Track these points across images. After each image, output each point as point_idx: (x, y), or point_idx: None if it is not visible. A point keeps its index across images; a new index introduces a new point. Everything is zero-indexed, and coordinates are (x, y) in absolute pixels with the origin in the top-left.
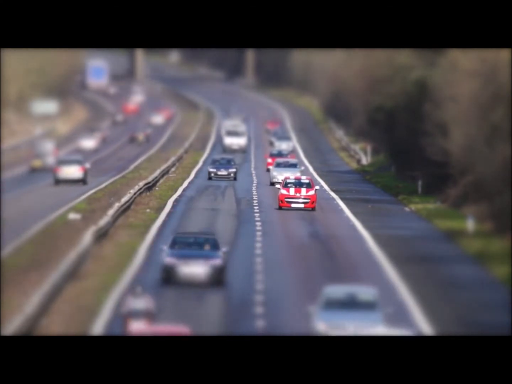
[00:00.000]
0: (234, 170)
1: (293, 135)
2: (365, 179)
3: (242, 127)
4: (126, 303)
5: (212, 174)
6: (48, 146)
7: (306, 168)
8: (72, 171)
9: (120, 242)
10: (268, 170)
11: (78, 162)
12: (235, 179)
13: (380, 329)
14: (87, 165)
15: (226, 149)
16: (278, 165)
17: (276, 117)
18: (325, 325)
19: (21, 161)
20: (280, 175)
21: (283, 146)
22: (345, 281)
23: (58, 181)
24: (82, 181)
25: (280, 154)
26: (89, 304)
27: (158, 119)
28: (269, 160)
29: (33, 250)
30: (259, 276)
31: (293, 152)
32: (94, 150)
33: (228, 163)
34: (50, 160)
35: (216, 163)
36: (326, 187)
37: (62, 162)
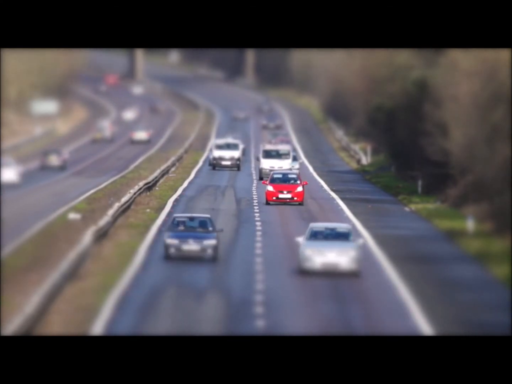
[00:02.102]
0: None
1: (300, 153)
2: (365, 179)
3: (236, 141)
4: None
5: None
6: (106, 123)
7: (306, 168)
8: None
9: (120, 242)
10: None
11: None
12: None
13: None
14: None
15: (215, 165)
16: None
17: (285, 136)
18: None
19: (21, 161)
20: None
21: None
22: (344, 280)
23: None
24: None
25: (285, 178)
26: (89, 304)
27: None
28: (270, 188)
29: (33, 250)
30: (259, 276)
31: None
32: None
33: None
34: (107, 133)
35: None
36: (326, 187)
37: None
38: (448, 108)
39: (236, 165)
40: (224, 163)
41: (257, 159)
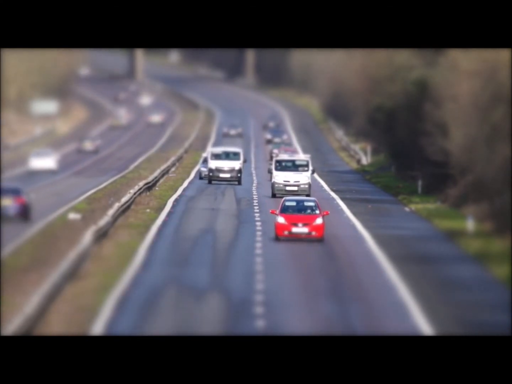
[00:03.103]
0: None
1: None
2: (365, 179)
3: (237, 149)
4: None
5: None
6: (122, 111)
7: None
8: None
9: (120, 242)
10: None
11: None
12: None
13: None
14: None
15: (211, 178)
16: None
17: (290, 146)
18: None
19: (21, 161)
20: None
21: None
22: (344, 280)
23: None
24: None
25: (300, 207)
26: (89, 304)
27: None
28: (281, 220)
29: (33, 250)
30: (259, 276)
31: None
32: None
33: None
34: (124, 120)
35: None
36: (326, 187)
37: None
38: (448, 108)
39: (237, 178)
40: (222, 175)
41: (269, 172)
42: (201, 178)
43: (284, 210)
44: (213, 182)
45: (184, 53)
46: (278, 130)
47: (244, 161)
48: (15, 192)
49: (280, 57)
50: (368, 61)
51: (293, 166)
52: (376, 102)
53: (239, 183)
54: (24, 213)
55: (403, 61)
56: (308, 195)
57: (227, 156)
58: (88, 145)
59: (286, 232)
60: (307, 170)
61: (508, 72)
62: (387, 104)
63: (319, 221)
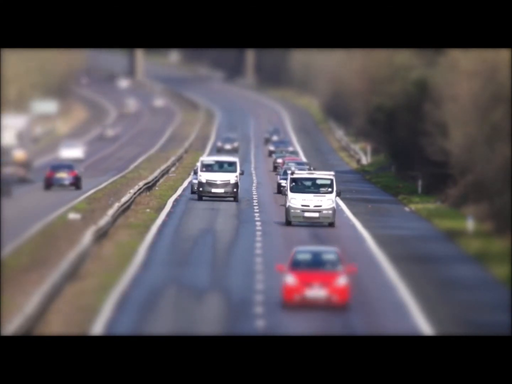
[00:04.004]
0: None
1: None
2: (365, 179)
3: (232, 158)
4: None
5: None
6: (132, 101)
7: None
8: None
9: (120, 242)
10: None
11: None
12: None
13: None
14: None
15: (201, 194)
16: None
17: (296, 155)
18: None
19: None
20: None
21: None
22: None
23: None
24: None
25: (317, 261)
26: (89, 304)
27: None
28: (291, 280)
29: (33, 250)
30: (259, 276)
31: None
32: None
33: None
34: (132, 108)
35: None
36: None
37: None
38: (448, 108)
39: (232, 194)
40: (215, 190)
41: (284, 193)
42: (193, 192)
43: (295, 265)
44: (204, 198)
45: (184, 53)
46: (283, 142)
47: (241, 173)
48: (69, 167)
49: (280, 57)
50: (368, 61)
51: (314, 186)
52: (376, 102)
53: (235, 200)
54: (76, 183)
55: (403, 61)
56: (331, 224)
57: (220, 167)
58: (110, 132)
59: (297, 297)
60: (331, 192)
61: (508, 72)
62: (387, 104)
63: (342, 281)
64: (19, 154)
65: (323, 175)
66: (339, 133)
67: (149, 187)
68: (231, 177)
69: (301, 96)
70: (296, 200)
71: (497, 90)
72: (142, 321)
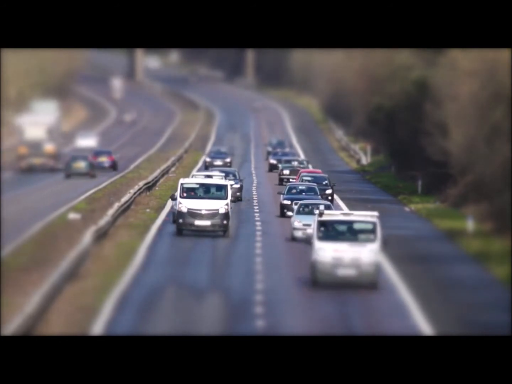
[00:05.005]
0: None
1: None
2: (365, 179)
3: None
4: None
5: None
6: (117, 82)
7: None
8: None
9: (120, 242)
10: None
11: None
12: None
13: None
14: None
15: (181, 227)
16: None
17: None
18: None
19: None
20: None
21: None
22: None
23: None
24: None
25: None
26: (89, 304)
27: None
28: None
29: (33, 250)
30: (259, 276)
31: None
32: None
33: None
34: (118, 95)
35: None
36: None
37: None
38: (448, 108)
39: (222, 227)
40: (198, 223)
41: (307, 243)
42: (174, 221)
43: None
44: (185, 232)
45: (184, 53)
46: (290, 153)
47: (241, 181)
48: (108, 153)
49: (280, 57)
50: (368, 61)
51: (350, 233)
52: (376, 102)
53: (225, 234)
54: (113, 166)
55: (403, 61)
56: (374, 284)
57: (206, 191)
58: (127, 117)
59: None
60: (373, 240)
61: (508, 72)
62: (387, 104)
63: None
64: (49, 147)
65: (363, 216)
66: (339, 133)
67: (149, 187)
68: (220, 206)
69: (301, 96)
70: (325, 251)
71: (497, 90)
72: (142, 321)
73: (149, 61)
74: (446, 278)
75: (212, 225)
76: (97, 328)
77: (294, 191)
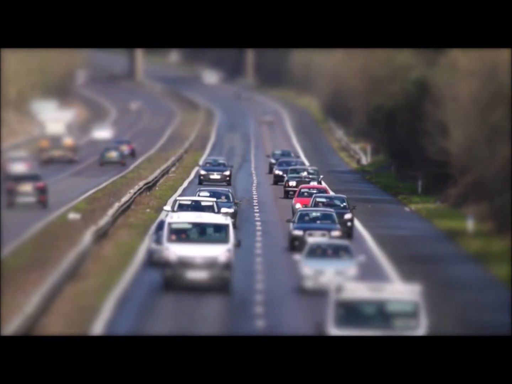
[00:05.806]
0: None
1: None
2: (365, 179)
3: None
4: None
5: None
6: (134, 103)
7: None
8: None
9: (120, 242)
10: None
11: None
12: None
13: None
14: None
15: (170, 281)
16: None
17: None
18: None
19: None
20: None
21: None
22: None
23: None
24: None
25: None
26: (89, 304)
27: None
28: None
29: (33, 250)
30: (259, 276)
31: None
32: None
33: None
34: (134, 107)
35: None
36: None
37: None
38: (448, 108)
39: (222, 281)
40: (192, 276)
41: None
42: (152, 262)
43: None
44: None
45: (184, 53)
46: (299, 163)
47: (236, 205)
48: (127, 142)
49: (280, 57)
50: (368, 61)
51: (380, 315)
52: (376, 102)
53: (226, 290)
54: (132, 153)
55: (403, 61)
56: None
57: (201, 232)
58: (133, 106)
59: None
60: (415, 328)
61: (508, 72)
62: (387, 104)
63: None
64: (68, 141)
65: (399, 293)
66: (339, 133)
67: (149, 187)
68: (219, 251)
69: (301, 96)
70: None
71: (497, 90)
72: (142, 321)
73: (205, 76)
74: (446, 278)
75: (211, 278)
76: (97, 328)
77: (306, 218)
